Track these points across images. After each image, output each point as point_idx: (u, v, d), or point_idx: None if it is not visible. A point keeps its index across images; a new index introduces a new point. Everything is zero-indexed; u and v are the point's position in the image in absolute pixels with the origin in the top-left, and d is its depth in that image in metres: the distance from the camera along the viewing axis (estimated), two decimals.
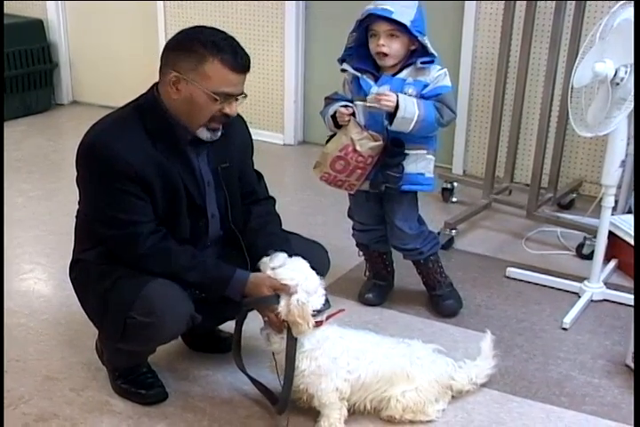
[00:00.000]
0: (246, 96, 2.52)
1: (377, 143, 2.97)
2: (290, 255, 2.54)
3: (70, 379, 2.84)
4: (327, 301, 2.54)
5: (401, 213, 3.13)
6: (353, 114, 2.97)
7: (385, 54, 2.89)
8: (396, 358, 2.61)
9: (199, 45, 2.40)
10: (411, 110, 2.85)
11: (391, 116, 2.87)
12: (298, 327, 2.44)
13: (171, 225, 2.54)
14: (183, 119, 2.49)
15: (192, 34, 2.46)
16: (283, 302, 2.44)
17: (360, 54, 2.97)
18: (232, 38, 2.47)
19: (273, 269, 2.49)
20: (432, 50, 2.91)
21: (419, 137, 2.97)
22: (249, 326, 2.67)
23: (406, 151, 2.97)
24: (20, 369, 2.89)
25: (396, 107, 2.84)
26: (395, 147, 2.95)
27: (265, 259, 2.53)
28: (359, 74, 2.97)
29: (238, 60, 2.42)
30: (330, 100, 3.05)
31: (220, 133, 2.55)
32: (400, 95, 2.87)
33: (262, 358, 2.71)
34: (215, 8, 5.36)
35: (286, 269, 2.48)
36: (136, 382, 2.73)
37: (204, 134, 2.52)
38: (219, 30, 2.48)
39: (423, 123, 2.88)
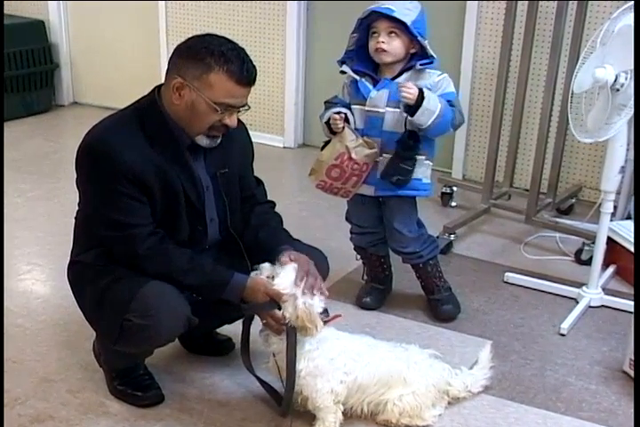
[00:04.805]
0: (249, 108, 2.52)
1: (372, 150, 2.96)
2: (277, 260, 2.53)
3: (67, 380, 2.84)
4: (325, 310, 2.55)
5: (400, 216, 3.13)
6: (347, 120, 2.97)
7: (383, 51, 2.89)
8: (392, 362, 2.61)
9: (207, 54, 2.39)
10: (434, 103, 2.84)
11: (410, 108, 2.85)
12: (307, 331, 2.45)
13: (169, 228, 2.54)
14: (183, 125, 2.49)
15: (202, 41, 2.44)
16: (290, 309, 2.44)
17: (360, 56, 2.97)
18: (242, 49, 2.45)
19: (267, 278, 2.49)
20: (431, 52, 2.91)
21: (424, 141, 2.97)
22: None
23: None
24: (17, 370, 2.88)
25: (421, 99, 2.82)
26: (410, 140, 2.92)
27: (253, 273, 2.52)
28: (358, 77, 2.97)
29: (244, 72, 2.41)
30: (329, 104, 3.05)
31: (219, 141, 2.55)
32: (424, 88, 2.85)
33: (261, 358, 2.69)
34: (216, 10, 5.36)
35: (281, 278, 2.47)
36: (133, 384, 2.73)
37: (202, 141, 2.52)
38: (229, 40, 2.46)
39: (442, 119, 2.87)
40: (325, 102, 3.07)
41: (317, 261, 2.69)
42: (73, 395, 2.76)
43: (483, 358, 2.82)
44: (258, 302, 2.48)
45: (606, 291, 3.46)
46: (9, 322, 3.17)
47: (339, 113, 2.96)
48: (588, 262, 3.54)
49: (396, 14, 2.82)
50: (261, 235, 2.67)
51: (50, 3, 6.03)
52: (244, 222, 2.73)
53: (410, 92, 2.83)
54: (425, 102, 2.82)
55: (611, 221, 3.36)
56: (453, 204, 4.50)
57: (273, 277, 2.48)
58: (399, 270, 3.43)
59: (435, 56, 2.93)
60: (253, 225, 2.72)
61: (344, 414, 2.58)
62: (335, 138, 3.00)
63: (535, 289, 3.56)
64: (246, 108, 2.51)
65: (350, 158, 2.96)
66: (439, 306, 3.30)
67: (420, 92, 2.83)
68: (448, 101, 2.92)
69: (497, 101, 4.13)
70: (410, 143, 2.93)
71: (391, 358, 2.62)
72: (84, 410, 2.68)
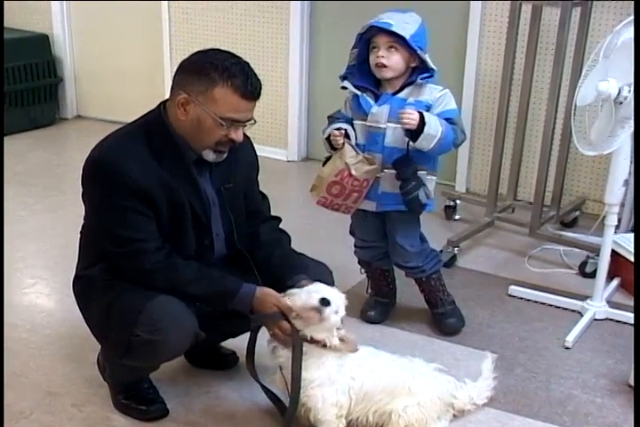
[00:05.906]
0: (255, 122, 2.52)
1: (372, 167, 2.96)
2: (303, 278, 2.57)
3: (71, 394, 2.83)
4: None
5: (402, 230, 3.13)
6: (348, 136, 2.96)
7: (384, 65, 2.88)
8: (397, 371, 2.61)
9: (211, 69, 2.39)
10: (435, 127, 2.84)
11: (412, 132, 2.84)
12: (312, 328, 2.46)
13: (176, 243, 2.54)
14: (189, 140, 2.49)
15: (205, 56, 2.45)
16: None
17: (361, 71, 2.97)
18: (246, 63, 2.45)
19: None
20: (432, 64, 2.91)
21: (420, 158, 2.96)
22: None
23: None
24: (22, 384, 2.88)
25: (422, 124, 2.82)
26: (402, 166, 2.93)
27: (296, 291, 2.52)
28: (359, 92, 2.97)
29: (248, 86, 2.41)
30: (332, 118, 3.05)
31: (225, 155, 2.55)
32: (424, 112, 2.85)
33: (266, 373, 2.69)
34: (220, 25, 5.38)
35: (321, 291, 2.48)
36: (137, 398, 2.72)
37: (209, 156, 2.52)
38: (233, 54, 2.47)
39: (444, 141, 2.87)
40: (328, 117, 3.08)
41: (323, 276, 2.69)
42: (78, 409, 2.75)
43: (485, 368, 2.81)
44: (266, 313, 2.49)
45: (611, 304, 3.46)
46: (13, 336, 3.17)
47: (339, 129, 2.96)
48: (593, 275, 3.53)
49: (394, 28, 2.82)
50: (275, 257, 2.67)
51: (54, 17, 6.06)
52: (252, 238, 2.72)
53: (411, 118, 2.82)
54: (426, 128, 2.81)
55: (615, 233, 3.35)
56: (457, 217, 4.50)
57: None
58: (403, 284, 3.43)
59: (435, 69, 2.92)
60: (264, 242, 2.72)
61: (349, 425, 2.56)
62: (336, 154, 3.00)
63: (539, 302, 3.55)
64: (252, 122, 2.51)
65: (350, 175, 2.96)
66: (443, 320, 3.30)
67: (421, 116, 2.82)
68: (449, 119, 2.91)
69: (500, 114, 4.14)
70: (404, 169, 2.93)
71: (396, 368, 2.62)
72: (88, 424, 2.68)
